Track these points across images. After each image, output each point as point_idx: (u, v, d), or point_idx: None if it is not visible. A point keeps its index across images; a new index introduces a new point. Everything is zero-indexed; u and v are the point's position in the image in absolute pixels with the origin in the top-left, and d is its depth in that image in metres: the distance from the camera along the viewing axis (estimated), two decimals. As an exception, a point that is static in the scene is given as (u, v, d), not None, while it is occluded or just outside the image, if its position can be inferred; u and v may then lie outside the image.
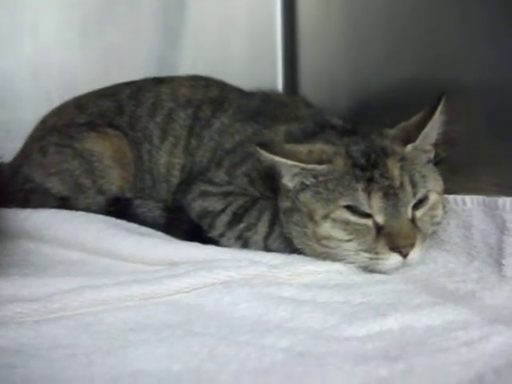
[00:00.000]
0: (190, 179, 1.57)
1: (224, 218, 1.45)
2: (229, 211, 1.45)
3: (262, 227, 1.40)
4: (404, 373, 0.85)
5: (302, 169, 1.28)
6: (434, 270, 1.28)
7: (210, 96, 1.66)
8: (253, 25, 2.04)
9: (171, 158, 1.62)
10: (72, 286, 1.15)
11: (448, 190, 1.34)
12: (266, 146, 1.28)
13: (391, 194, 1.22)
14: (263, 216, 1.41)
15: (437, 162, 1.36)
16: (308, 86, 1.96)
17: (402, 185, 1.23)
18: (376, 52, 1.62)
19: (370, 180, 1.23)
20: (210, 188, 1.50)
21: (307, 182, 1.29)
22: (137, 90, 1.71)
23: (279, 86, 2.05)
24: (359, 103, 1.70)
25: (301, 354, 0.92)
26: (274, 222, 1.39)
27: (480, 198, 1.25)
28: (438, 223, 1.29)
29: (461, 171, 1.37)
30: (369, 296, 1.15)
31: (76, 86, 1.79)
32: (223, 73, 1.82)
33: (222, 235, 1.45)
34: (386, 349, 0.93)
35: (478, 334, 0.96)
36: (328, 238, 1.26)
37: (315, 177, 1.28)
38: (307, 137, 1.41)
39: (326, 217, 1.26)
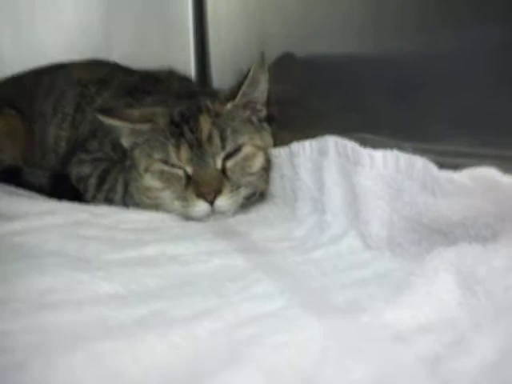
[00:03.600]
0: (73, 150, 1.57)
1: (92, 182, 1.45)
2: (95, 175, 1.45)
3: (119, 187, 1.41)
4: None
5: (132, 129, 1.29)
6: (249, 218, 1.26)
7: (98, 76, 1.67)
8: (166, 18, 2.02)
9: (59, 132, 1.63)
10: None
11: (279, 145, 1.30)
12: (104, 111, 1.31)
13: (198, 147, 1.22)
14: (119, 178, 1.41)
15: (270, 120, 1.35)
16: (217, 71, 1.95)
17: (209, 138, 1.23)
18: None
19: (181, 135, 1.23)
20: (84, 156, 1.51)
21: (137, 141, 1.30)
22: (40, 74, 1.73)
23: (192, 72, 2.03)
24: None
25: (62, 265, 0.94)
26: (128, 183, 1.37)
27: (287, 148, 1.22)
28: (253, 174, 1.27)
29: (290, 127, 1.34)
30: (158, 234, 1.14)
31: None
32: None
33: (93, 197, 1.45)
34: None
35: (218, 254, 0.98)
36: (149, 188, 1.27)
37: (142, 135, 1.29)
38: (161, 104, 1.39)
39: (146, 170, 1.27)
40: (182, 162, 1.22)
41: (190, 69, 2.00)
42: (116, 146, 1.42)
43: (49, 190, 1.52)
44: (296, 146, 1.15)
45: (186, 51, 2.02)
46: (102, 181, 1.44)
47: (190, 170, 1.23)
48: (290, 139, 1.25)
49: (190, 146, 1.22)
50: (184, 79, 1.63)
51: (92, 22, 2.00)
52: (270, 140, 1.32)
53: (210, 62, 1.98)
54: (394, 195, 0.84)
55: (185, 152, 1.22)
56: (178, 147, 1.22)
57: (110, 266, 0.94)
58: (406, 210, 0.81)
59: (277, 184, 1.28)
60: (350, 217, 0.97)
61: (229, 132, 1.24)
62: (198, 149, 1.22)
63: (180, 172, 1.23)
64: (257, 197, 1.30)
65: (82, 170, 1.49)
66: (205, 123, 1.24)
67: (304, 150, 1.12)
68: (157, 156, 1.25)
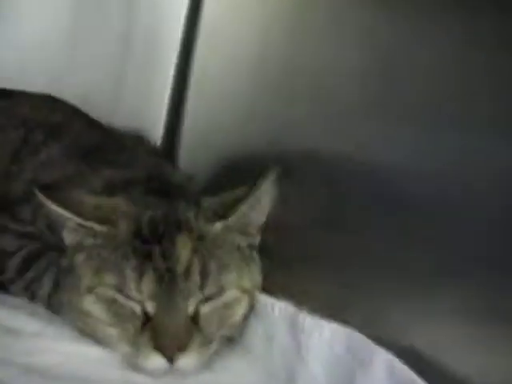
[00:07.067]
0: (-1, 208, 1.18)
1: (14, 263, 1.10)
2: (19, 255, 1.11)
3: (46, 283, 1.06)
4: None
5: (79, 225, 0.93)
6: (217, 380, 0.91)
7: (50, 120, 1.31)
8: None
9: None
10: None
11: (264, 288, 0.99)
12: (47, 190, 0.94)
13: (169, 281, 0.89)
14: (49, 270, 1.07)
15: (261, 252, 1.01)
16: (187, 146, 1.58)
17: (187, 271, 0.89)
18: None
19: (147, 258, 0.89)
20: (10, 224, 1.16)
21: (85, 243, 0.95)
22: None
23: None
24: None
25: None
26: (59, 283, 1.03)
27: (289, 307, 0.91)
28: (234, 326, 0.95)
29: (288, 266, 1.02)
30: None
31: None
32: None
33: (12, 281, 1.10)
34: None
35: None
36: (88, 315, 0.93)
37: (93, 238, 0.94)
38: (125, 189, 1.05)
39: (90, 289, 0.92)
40: (143, 297, 0.89)
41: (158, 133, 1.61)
42: (55, 225, 1.03)
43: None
44: (309, 321, 0.84)
45: (158, 111, 1.63)
46: (26, 266, 1.09)
47: (151, 308, 0.89)
48: (286, 282, 0.98)
49: (158, 278, 0.88)
50: (153, 152, 1.32)
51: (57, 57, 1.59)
52: (258, 278, 1.00)
53: (181, 134, 1.59)
54: None
55: (149, 284, 0.88)
56: (140, 274, 0.89)
57: None
58: None
59: (258, 342, 0.97)
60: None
61: (213, 266, 0.91)
62: (169, 283, 0.89)
63: (137, 308, 0.90)
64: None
65: (4, 242, 1.14)
66: (183, 248, 0.91)
67: (321, 335, 0.80)
68: (108, 279, 0.90)
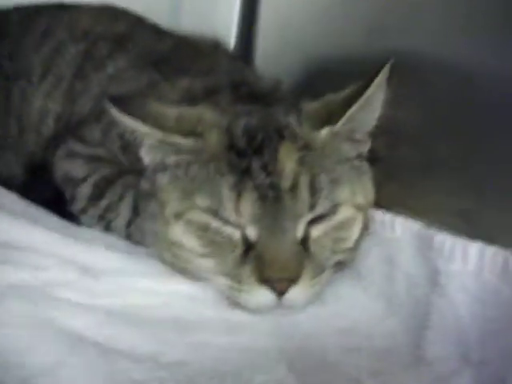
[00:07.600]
0: (64, 133, 1.06)
1: (85, 190, 0.96)
2: (90, 182, 0.96)
3: (124, 210, 0.92)
4: None
5: (160, 140, 0.77)
6: (329, 317, 0.78)
7: (113, 31, 1.16)
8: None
9: (47, 102, 1.12)
10: None
11: (379, 204, 0.83)
12: (121, 102, 0.77)
13: (273, 199, 0.73)
14: (126, 195, 0.93)
15: (372, 161, 0.84)
16: (262, 44, 1.39)
17: (294, 187, 0.73)
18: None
19: (246, 173, 0.73)
20: (78, 147, 1.02)
21: (168, 161, 0.79)
22: (33, 13, 1.21)
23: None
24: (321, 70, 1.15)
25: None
26: (139, 209, 0.90)
27: (416, 226, 0.75)
28: (349, 250, 0.79)
29: (406, 179, 0.86)
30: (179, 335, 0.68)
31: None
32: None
33: (83, 211, 0.96)
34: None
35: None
36: (177, 246, 0.78)
37: (178, 154, 0.78)
38: (208, 97, 0.90)
39: (178, 216, 0.77)
40: (242, 220, 0.73)
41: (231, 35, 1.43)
42: (129, 145, 0.88)
43: (21, 186, 1.05)
44: (446, 242, 0.67)
45: (229, 11, 1.45)
46: (99, 192, 0.96)
47: (252, 234, 0.74)
48: (404, 196, 0.82)
49: (260, 197, 0.73)
50: (233, 58, 1.14)
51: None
52: (372, 192, 0.84)
53: (257, 35, 1.40)
54: None
55: (249, 204, 0.73)
56: (238, 193, 0.73)
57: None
58: None
59: (374, 266, 0.82)
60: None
61: (323, 180, 0.75)
62: (273, 202, 0.73)
63: (236, 234, 0.74)
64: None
65: (73, 168, 1.00)
66: (288, 159, 0.75)
67: (466, 258, 0.62)
68: (199, 201, 0.75)
